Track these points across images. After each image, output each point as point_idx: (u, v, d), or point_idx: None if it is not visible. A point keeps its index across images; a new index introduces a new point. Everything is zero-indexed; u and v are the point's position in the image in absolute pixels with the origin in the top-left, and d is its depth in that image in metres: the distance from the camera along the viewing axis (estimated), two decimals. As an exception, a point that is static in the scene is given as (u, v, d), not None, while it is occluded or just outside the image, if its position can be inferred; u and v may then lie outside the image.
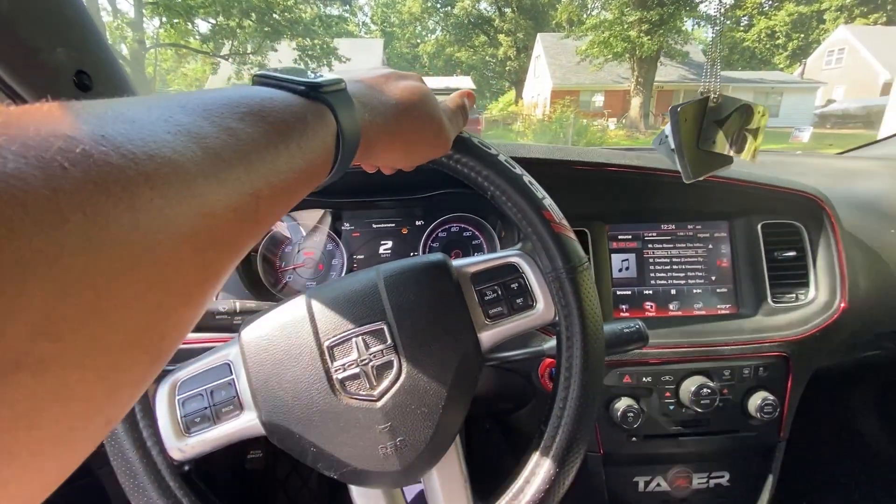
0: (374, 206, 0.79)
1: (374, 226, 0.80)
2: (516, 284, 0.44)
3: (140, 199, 0.14)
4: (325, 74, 0.28)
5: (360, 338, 0.39)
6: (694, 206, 0.78)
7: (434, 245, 0.80)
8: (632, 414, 0.69)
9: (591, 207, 0.75)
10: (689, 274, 0.78)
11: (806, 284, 0.77)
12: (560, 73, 18.79)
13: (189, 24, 14.99)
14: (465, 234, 0.81)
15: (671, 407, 0.71)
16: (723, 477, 0.77)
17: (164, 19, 13.66)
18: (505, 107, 21.99)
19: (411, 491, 0.56)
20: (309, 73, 0.28)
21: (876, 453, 0.98)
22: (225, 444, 0.40)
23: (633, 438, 0.73)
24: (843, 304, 0.73)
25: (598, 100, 18.79)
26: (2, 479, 0.11)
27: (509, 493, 0.41)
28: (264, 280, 0.76)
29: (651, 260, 0.78)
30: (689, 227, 0.78)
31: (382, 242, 0.80)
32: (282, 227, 0.78)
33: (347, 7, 27.97)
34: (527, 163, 0.66)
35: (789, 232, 0.77)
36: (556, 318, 0.43)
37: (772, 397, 0.69)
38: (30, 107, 0.14)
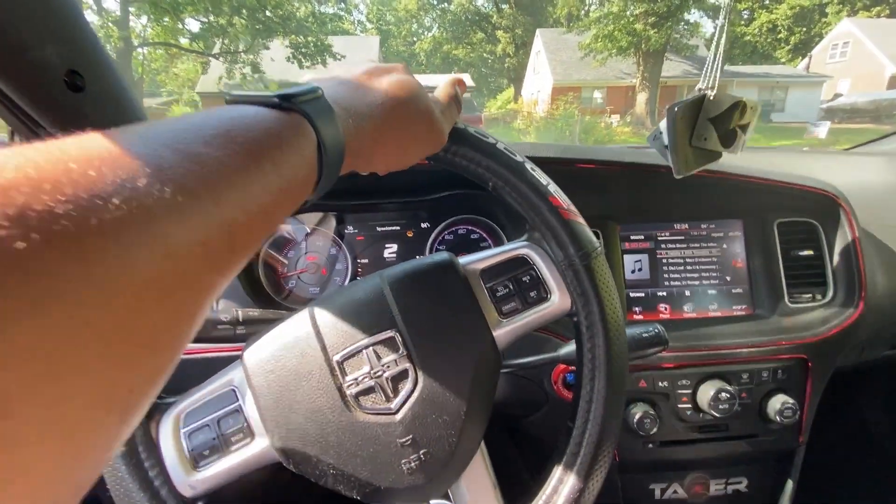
0: (377, 208, 0.79)
1: (379, 229, 0.80)
2: (528, 277, 0.43)
3: (91, 249, 0.13)
4: (304, 78, 0.28)
5: (370, 349, 0.38)
6: (707, 205, 0.78)
7: (440, 248, 0.80)
8: (648, 420, 0.68)
9: (602, 207, 0.75)
10: (704, 275, 0.78)
11: (823, 284, 0.77)
12: (561, 70, 18.84)
13: (178, 22, 15.00)
14: (472, 237, 0.81)
15: (688, 412, 0.71)
16: (741, 483, 0.76)
17: (151, 17, 13.65)
18: (503, 104, 22.01)
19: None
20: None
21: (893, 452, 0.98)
22: (238, 474, 0.39)
23: (650, 445, 0.73)
24: (861, 303, 0.73)
25: (598, 96, 18.81)
26: None
27: (542, 497, 0.40)
28: (266, 287, 0.75)
29: (664, 260, 0.78)
30: (703, 226, 0.78)
31: (387, 246, 0.80)
32: (284, 232, 0.78)
33: (342, 4, 28.06)
34: (534, 162, 0.66)
35: (805, 230, 0.77)
36: (574, 309, 0.42)
37: (791, 400, 0.69)
38: None
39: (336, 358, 0.38)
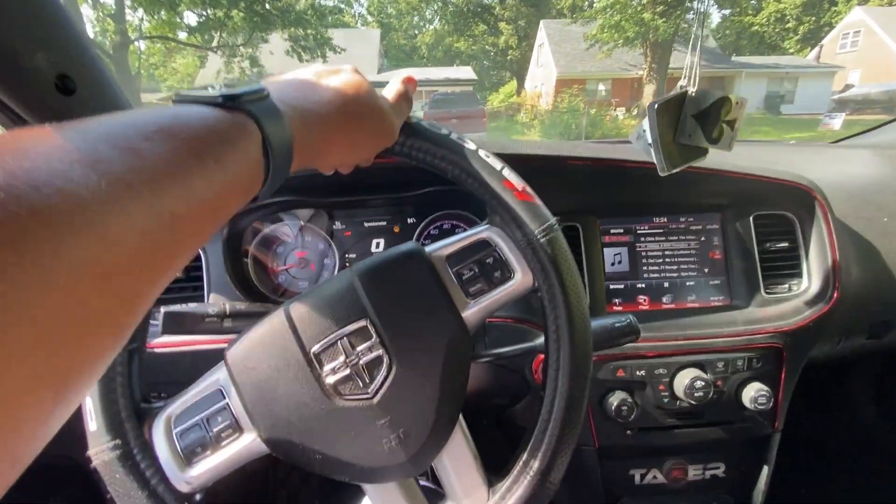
0: (365, 204, 0.82)
1: (366, 224, 0.84)
2: (491, 259, 0.46)
3: (23, 234, 0.14)
4: (257, 85, 0.30)
5: (344, 339, 0.41)
6: (686, 199, 0.81)
7: (426, 243, 0.83)
8: (626, 407, 0.72)
9: (581, 202, 0.79)
10: (682, 267, 0.81)
11: (799, 275, 0.80)
12: (565, 62, 18.76)
13: (175, 15, 15.01)
14: (457, 231, 0.84)
15: (665, 400, 0.75)
16: (718, 468, 0.80)
17: (147, 10, 13.64)
18: (506, 98, 21.96)
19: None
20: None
21: (870, 441, 1.02)
22: (231, 467, 0.42)
23: (628, 431, 0.77)
24: (836, 294, 0.76)
25: (602, 89, 18.72)
26: None
27: (519, 463, 0.43)
28: (255, 281, 0.79)
29: (644, 253, 0.81)
30: (682, 219, 0.82)
31: (375, 241, 0.83)
32: (273, 228, 0.81)
33: (342, -4, 28.00)
34: (514, 159, 0.69)
35: (781, 223, 0.80)
36: (536, 284, 0.45)
37: (766, 388, 0.73)
38: None
39: (313, 350, 0.41)
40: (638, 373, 0.74)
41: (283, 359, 0.41)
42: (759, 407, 0.72)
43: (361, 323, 0.41)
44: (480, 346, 0.72)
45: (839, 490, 1.00)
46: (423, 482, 0.52)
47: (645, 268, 0.81)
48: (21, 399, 0.15)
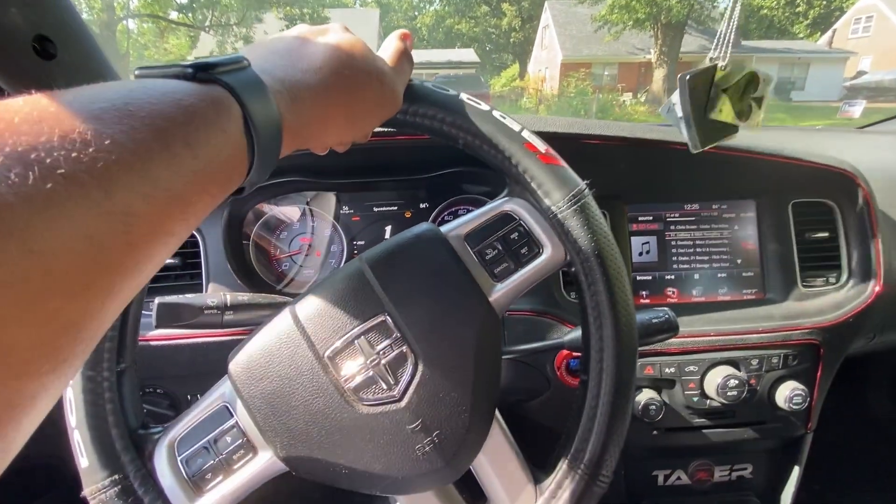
0: (374, 187, 0.78)
1: (375, 209, 0.80)
2: (516, 234, 0.41)
3: None
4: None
5: (362, 338, 0.37)
6: (719, 185, 0.77)
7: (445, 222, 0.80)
8: (654, 407, 0.69)
9: (609, 186, 0.74)
10: (714, 257, 0.78)
11: (838, 267, 0.76)
12: (571, 44, 18.53)
13: (165, -9, 14.74)
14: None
15: (695, 399, 0.72)
16: (746, 469, 0.78)
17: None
18: (508, 81, 21.72)
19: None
20: None
21: None
22: (248, 491, 0.38)
23: (654, 432, 0.74)
24: (877, 288, 0.73)
25: (607, 73, 18.51)
26: None
27: (567, 456, 0.40)
28: (258, 269, 0.75)
29: (673, 243, 0.78)
30: (714, 206, 0.78)
31: (385, 227, 0.79)
32: (277, 211, 0.77)
33: (339, -26, 27.55)
34: (541, 136, 0.65)
35: (821, 211, 0.76)
36: (569, 258, 0.41)
37: (801, 387, 0.70)
38: None
39: (327, 353, 0.37)
40: (667, 370, 0.71)
41: (295, 366, 0.37)
42: (794, 407, 0.69)
43: (379, 318, 0.37)
44: (500, 341, 0.69)
45: (866, 491, 0.98)
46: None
47: (674, 258, 0.78)
48: None
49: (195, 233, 0.69)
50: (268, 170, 0.27)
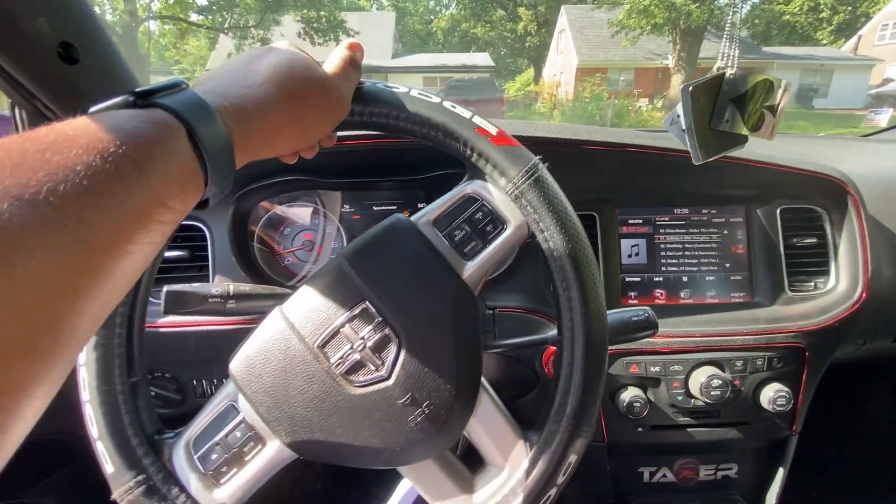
0: (374, 187, 0.82)
1: (375, 208, 0.83)
2: (480, 214, 0.44)
3: None
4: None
5: (346, 326, 0.40)
6: (710, 190, 0.79)
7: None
8: (638, 404, 0.72)
9: (600, 190, 0.77)
10: (703, 261, 0.80)
11: (826, 273, 0.78)
12: (587, 49, 18.49)
13: (185, -6, 15.06)
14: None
15: (679, 397, 0.74)
16: (731, 468, 0.79)
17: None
18: (522, 86, 21.71)
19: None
20: None
21: (891, 446, 1.00)
22: (262, 479, 0.42)
23: (640, 429, 0.76)
24: (864, 294, 0.74)
25: (624, 78, 18.41)
26: None
27: (551, 413, 0.43)
28: (262, 263, 0.80)
29: (662, 246, 0.80)
30: (704, 211, 0.80)
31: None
32: (280, 209, 0.82)
33: (357, -21, 27.90)
34: (533, 142, 0.68)
35: (810, 218, 0.78)
36: (531, 229, 0.43)
37: (786, 389, 0.72)
38: None
39: (316, 343, 0.40)
40: (652, 369, 0.73)
41: (289, 359, 0.40)
42: (778, 408, 0.71)
43: (361, 306, 0.41)
44: (490, 336, 0.72)
45: (853, 494, 0.99)
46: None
47: (663, 261, 0.80)
48: None
49: (202, 227, 0.74)
50: (226, 182, 0.29)
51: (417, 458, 0.43)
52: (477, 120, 0.42)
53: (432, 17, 32.75)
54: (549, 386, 0.72)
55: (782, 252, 0.78)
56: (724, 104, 0.63)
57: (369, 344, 0.41)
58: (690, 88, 0.61)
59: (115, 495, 0.41)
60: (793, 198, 0.78)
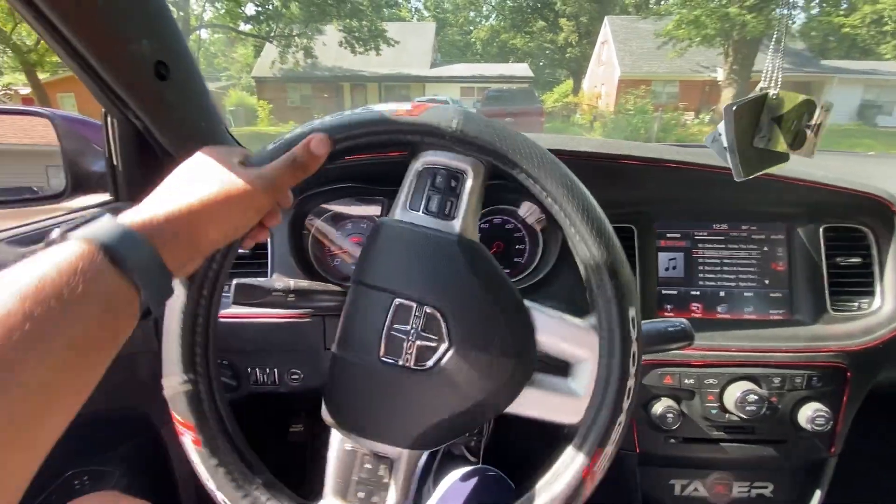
0: None
1: None
2: (439, 177, 0.48)
3: None
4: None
5: (392, 328, 0.45)
6: (750, 207, 0.81)
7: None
8: (671, 416, 0.74)
9: (638, 203, 0.81)
10: (741, 276, 0.82)
11: (871, 293, 0.78)
12: (630, 60, 18.29)
13: (238, 5, 15.87)
14: (507, 227, 0.88)
15: (714, 411, 0.76)
16: (766, 488, 0.80)
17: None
18: (560, 97, 21.61)
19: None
20: None
21: None
22: (413, 485, 0.48)
23: (672, 440, 0.78)
24: None
25: (668, 91, 18.03)
26: None
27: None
28: (315, 263, 0.87)
29: (700, 260, 0.82)
30: (744, 227, 0.82)
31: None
32: (334, 213, 0.89)
33: (400, -9, 28.70)
34: (570, 156, 0.72)
35: (854, 237, 0.79)
36: (484, 164, 0.47)
37: (825, 409, 0.72)
38: None
39: (381, 356, 0.45)
40: (686, 381, 0.75)
41: (372, 384, 0.46)
42: (816, 428, 0.72)
43: (393, 306, 0.45)
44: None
45: None
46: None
47: (701, 275, 0.82)
48: None
49: None
50: (165, 289, 0.33)
51: (516, 390, 0.46)
52: (392, 106, 0.46)
53: (471, 28, 33.19)
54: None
55: (825, 271, 0.78)
56: (765, 123, 0.65)
57: (420, 329, 0.45)
58: (734, 108, 0.63)
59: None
60: (837, 216, 0.79)
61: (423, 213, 0.48)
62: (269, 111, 17.82)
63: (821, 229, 0.79)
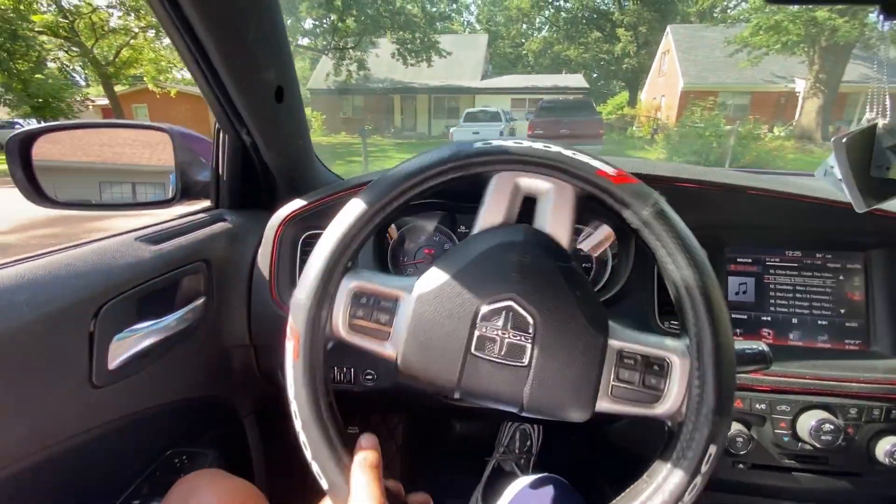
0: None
1: None
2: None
3: None
4: None
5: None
6: (825, 235, 0.83)
7: None
8: (741, 440, 0.75)
9: (709, 227, 0.83)
10: (815, 304, 0.83)
11: None
12: (694, 71, 17.76)
13: (297, 21, 16.79)
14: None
15: (786, 438, 0.77)
16: None
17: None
18: (615, 109, 21.21)
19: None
20: None
21: None
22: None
23: (740, 465, 0.80)
24: None
25: (735, 103, 17.25)
26: None
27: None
28: (392, 270, 0.96)
29: (772, 286, 0.84)
30: (818, 255, 0.83)
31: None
32: (410, 226, 0.98)
33: (454, 5, 29.33)
34: (652, 179, 0.76)
35: None
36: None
37: None
38: None
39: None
40: (758, 406, 0.77)
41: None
42: (895, 463, 0.72)
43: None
44: None
45: None
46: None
47: (772, 300, 0.84)
48: None
49: None
50: None
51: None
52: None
53: (523, 41, 33.32)
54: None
55: None
56: (880, 152, 0.64)
57: (510, 327, 0.45)
58: (844, 141, 0.64)
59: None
60: None
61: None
62: (322, 122, 18.62)
63: None
